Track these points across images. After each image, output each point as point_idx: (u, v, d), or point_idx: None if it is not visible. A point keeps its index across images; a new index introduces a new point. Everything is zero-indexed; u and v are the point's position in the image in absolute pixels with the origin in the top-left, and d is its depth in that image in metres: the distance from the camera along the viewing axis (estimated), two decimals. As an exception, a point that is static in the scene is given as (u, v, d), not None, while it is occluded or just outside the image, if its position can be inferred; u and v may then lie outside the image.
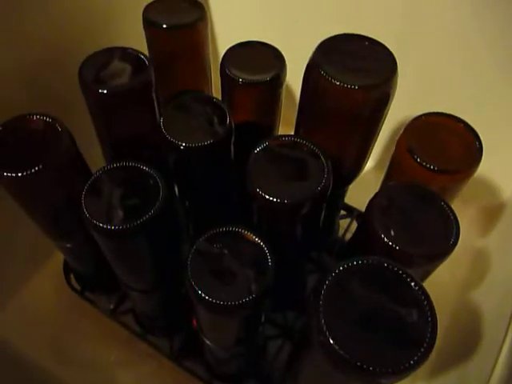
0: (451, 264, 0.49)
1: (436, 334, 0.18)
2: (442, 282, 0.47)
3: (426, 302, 0.19)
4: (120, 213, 0.25)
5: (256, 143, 0.29)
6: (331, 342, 0.18)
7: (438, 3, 0.40)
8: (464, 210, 0.51)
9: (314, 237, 0.34)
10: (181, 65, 0.38)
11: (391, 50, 0.30)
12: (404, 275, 0.20)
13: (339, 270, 0.20)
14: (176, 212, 0.35)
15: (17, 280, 0.46)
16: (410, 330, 0.18)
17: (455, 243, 0.24)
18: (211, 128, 0.29)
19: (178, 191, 0.34)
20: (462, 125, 0.30)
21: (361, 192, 0.40)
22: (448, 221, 0.26)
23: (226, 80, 0.34)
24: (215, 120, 0.30)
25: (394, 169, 0.32)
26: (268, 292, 0.24)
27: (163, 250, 0.28)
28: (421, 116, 0.31)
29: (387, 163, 0.35)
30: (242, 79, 0.33)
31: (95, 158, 0.36)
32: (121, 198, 0.26)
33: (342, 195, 0.44)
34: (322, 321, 0.19)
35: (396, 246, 0.24)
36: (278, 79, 0.34)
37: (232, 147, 0.31)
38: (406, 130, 0.30)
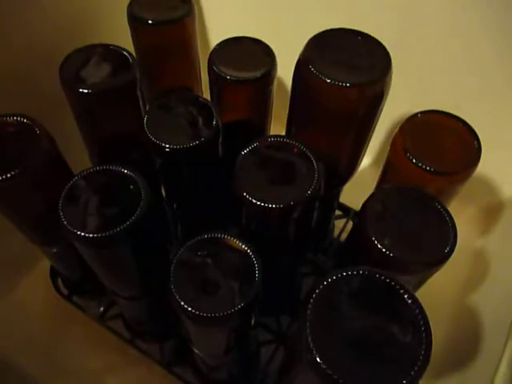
0: (450, 264, 0.48)
1: (430, 353, 0.17)
2: (440, 283, 0.46)
3: (420, 318, 0.17)
4: (99, 220, 0.23)
5: (246, 143, 0.28)
6: (319, 360, 0.17)
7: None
8: (463, 210, 0.50)
9: (305, 240, 0.33)
10: (168, 62, 0.37)
11: (387, 45, 0.28)
12: (397, 287, 0.18)
13: (327, 282, 0.19)
14: (161, 216, 0.34)
15: (3, 286, 0.45)
16: (402, 348, 0.17)
17: (452, 250, 0.23)
18: (197, 129, 0.28)
19: (165, 193, 0.33)
20: (460, 123, 0.29)
21: (356, 191, 0.39)
22: (445, 226, 0.24)
23: (214, 77, 0.33)
24: (202, 120, 0.28)
25: (390, 169, 0.31)
26: (255, 302, 0.22)
27: (147, 257, 0.27)
28: (417, 114, 0.29)
29: (383, 161, 0.34)
30: (231, 77, 0.32)
31: (84, 161, 0.35)
32: (100, 204, 0.24)
33: (337, 195, 0.43)
34: (309, 338, 0.18)
35: (391, 253, 0.23)
36: (268, 76, 0.33)
37: (220, 148, 0.30)
38: (401, 128, 0.29)
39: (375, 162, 0.54)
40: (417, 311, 0.17)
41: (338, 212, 0.48)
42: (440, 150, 0.28)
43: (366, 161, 0.53)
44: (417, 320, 0.17)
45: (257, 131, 0.37)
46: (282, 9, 0.47)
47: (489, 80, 0.40)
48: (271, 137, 0.27)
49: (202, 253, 0.23)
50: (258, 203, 0.24)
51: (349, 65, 0.27)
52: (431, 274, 0.25)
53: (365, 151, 0.34)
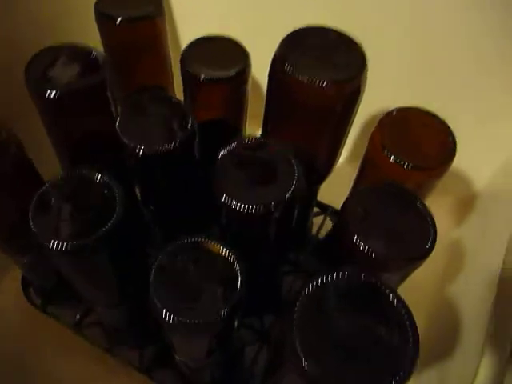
0: (429, 258, 0.48)
1: (418, 355, 0.16)
2: (419, 276, 0.47)
3: (407, 319, 0.17)
4: (72, 228, 0.22)
5: (222, 142, 0.27)
6: (306, 364, 0.17)
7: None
8: (439, 201, 0.51)
9: (286, 240, 0.33)
10: (138, 61, 0.36)
11: (365, 42, 0.28)
12: (384, 289, 0.18)
13: (314, 285, 0.18)
14: (139, 221, 0.33)
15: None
16: (390, 350, 0.17)
17: (433, 246, 0.23)
18: (172, 130, 0.27)
19: (141, 196, 0.32)
20: (435, 120, 0.29)
21: (333, 188, 0.39)
22: (425, 222, 0.24)
23: (187, 77, 0.32)
24: (176, 121, 0.28)
25: (368, 165, 0.31)
26: (238, 308, 0.22)
27: (125, 264, 0.26)
28: (393, 111, 0.29)
29: (360, 156, 0.34)
30: (204, 76, 0.31)
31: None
32: (73, 211, 0.23)
33: (315, 193, 0.42)
34: (297, 342, 0.17)
35: (373, 252, 0.23)
36: (242, 75, 0.32)
37: (196, 149, 0.29)
38: (378, 125, 0.29)
39: (351, 156, 0.54)
40: (404, 313, 0.17)
41: (315, 209, 0.48)
42: (417, 146, 0.28)
43: (341, 156, 0.53)
44: (404, 322, 0.17)
45: (232, 130, 0.36)
46: (256, 7, 0.46)
47: (464, 76, 0.41)
48: (249, 138, 0.27)
49: (182, 258, 0.23)
50: (238, 205, 0.24)
51: (324, 62, 0.27)
52: (413, 270, 0.25)
53: (342, 148, 0.34)
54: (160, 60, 0.37)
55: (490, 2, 0.36)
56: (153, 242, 0.36)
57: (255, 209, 0.23)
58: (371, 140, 0.29)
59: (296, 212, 0.29)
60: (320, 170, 0.36)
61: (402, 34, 0.41)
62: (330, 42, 0.28)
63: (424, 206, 0.25)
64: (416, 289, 0.45)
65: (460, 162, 0.47)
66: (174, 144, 0.26)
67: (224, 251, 0.23)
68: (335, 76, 0.26)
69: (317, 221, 0.48)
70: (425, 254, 0.23)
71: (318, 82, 0.26)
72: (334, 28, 0.29)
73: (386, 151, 0.28)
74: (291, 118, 0.29)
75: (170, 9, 0.51)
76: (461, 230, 0.49)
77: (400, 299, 0.18)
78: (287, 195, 0.24)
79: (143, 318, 0.37)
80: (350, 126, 0.31)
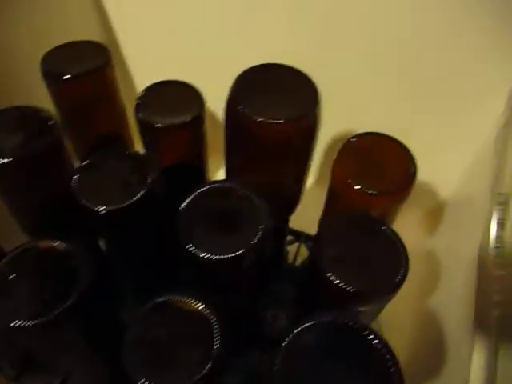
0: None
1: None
2: (399, 294, 0.47)
3: (391, 365, 0.17)
4: (32, 305, 0.21)
5: (186, 186, 0.26)
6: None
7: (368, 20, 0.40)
8: (409, 213, 0.51)
9: (261, 278, 0.32)
10: (92, 115, 0.35)
11: (316, 75, 0.28)
12: (368, 334, 0.18)
13: (298, 332, 0.18)
14: (106, 285, 0.32)
15: None
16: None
17: (404, 277, 0.23)
18: (131, 186, 0.27)
19: (109, 254, 0.31)
20: (395, 143, 0.29)
21: (305, 212, 0.39)
22: (396, 253, 0.24)
23: (142, 125, 0.32)
24: (135, 176, 0.27)
25: (333, 195, 0.31)
26: (215, 371, 0.21)
27: (94, 333, 0.25)
28: (352, 138, 0.29)
29: (326, 178, 0.34)
30: (159, 123, 0.31)
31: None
32: (34, 287, 0.22)
33: (286, 222, 0.42)
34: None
35: (349, 288, 0.22)
36: (198, 119, 0.32)
37: (158, 200, 0.28)
38: (339, 154, 0.29)
39: (320, 180, 0.54)
40: (388, 359, 0.17)
41: (289, 237, 0.47)
42: (379, 171, 0.28)
43: (311, 180, 0.53)
44: (388, 369, 0.17)
45: (195, 173, 0.36)
46: (207, 48, 0.46)
47: (421, 89, 0.42)
48: (211, 182, 0.26)
49: (154, 322, 0.22)
50: (204, 255, 0.23)
51: (278, 100, 0.27)
52: (389, 300, 0.25)
53: (307, 177, 0.34)
54: (114, 112, 0.36)
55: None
56: (125, 304, 0.35)
57: (222, 258, 0.23)
58: (333, 170, 0.29)
59: (267, 251, 0.28)
60: (288, 202, 0.35)
61: (363, 59, 0.42)
62: (282, 79, 0.28)
63: (395, 235, 0.25)
64: (397, 304, 0.46)
65: (426, 172, 0.48)
66: (134, 200, 0.25)
67: (198, 308, 0.22)
68: (289, 114, 0.26)
69: (292, 249, 0.48)
70: (397, 286, 0.23)
71: (272, 121, 0.26)
72: (286, 64, 0.29)
73: (348, 180, 0.28)
74: (251, 156, 0.29)
75: (124, 56, 0.51)
76: (433, 241, 0.50)
77: (385, 345, 0.17)
78: (254, 241, 0.24)
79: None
80: (312, 157, 0.31)
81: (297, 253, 0.47)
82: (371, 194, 0.27)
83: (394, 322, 0.46)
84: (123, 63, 0.51)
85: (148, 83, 0.34)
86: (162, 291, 0.23)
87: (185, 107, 0.32)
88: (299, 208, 0.39)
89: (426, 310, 0.46)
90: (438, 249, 0.49)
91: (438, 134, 0.44)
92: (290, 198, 0.35)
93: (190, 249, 0.24)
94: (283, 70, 0.28)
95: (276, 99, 0.27)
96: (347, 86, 0.43)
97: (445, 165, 0.46)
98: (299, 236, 0.47)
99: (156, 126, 0.31)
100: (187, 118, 0.31)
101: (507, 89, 0.36)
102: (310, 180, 0.53)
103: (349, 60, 0.42)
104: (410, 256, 0.50)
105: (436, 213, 0.51)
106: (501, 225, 0.29)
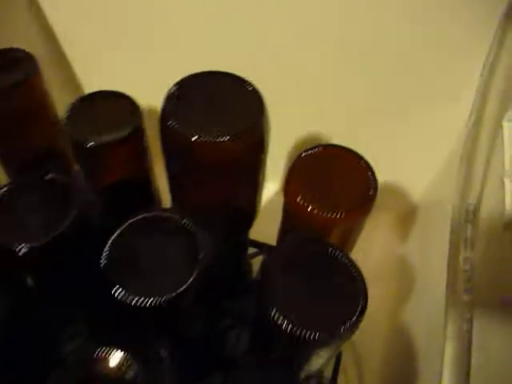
0: (379, 278, 0.46)
1: None
2: (372, 300, 0.44)
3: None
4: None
5: (132, 207, 0.23)
6: None
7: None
8: (379, 218, 0.49)
9: (217, 303, 0.29)
10: (18, 130, 0.31)
11: (262, 84, 0.25)
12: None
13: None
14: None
15: None
16: None
17: (361, 316, 0.20)
18: (53, 217, 0.23)
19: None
20: (351, 154, 0.27)
21: (267, 222, 0.36)
22: (353, 286, 0.21)
23: (73, 143, 0.28)
24: (57, 206, 0.24)
25: (287, 216, 0.28)
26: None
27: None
28: (302, 153, 0.26)
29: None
30: (91, 142, 0.27)
31: None
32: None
33: (246, 234, 0.39)
34: None
35: (302, 334, 0.20)
36: (136, 133, 0.28)
37: (90, 231, 0.25)
38: (289, 173, 0.26)
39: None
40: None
41: (252, 249, 0.45)
42: (335, 189, 0.26)
43: (274, 186, 0.50)
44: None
45: (141, 193, 0.33)
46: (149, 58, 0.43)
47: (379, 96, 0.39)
48: (143, 212, 0.23)
49: None
50: (132, 300, 0.20)
51: (219, 114, 0.24)
52: (344, 342, 0.22)
53: (261, 189, 0.31)
54: (45, 124, 0.33)
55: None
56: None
57: (150, 304, 0.20)
58: (284, 189, 0.26)
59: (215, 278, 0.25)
60: (244, 217, 0.32)
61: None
62: (223, 88, 0.25)
63: (352, 264, 0.22)
64: (372, 314, 0.43)
65: (395, 176, 0.46)
66: (54, 237, 0.22)
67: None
68: (232, 129, 0.23)
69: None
70: (352, 329, 0.20)
71: (212, 139, 0.23)
72: (226, 71, 0.26)
73: (300, 201, 0.25)
74: (194, 177, 0.26)
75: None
76: (405, 247, 0.48)
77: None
78: (190, 280, 0.21)
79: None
80: (265, 168, 0.28)
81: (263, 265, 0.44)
82: (326, 215, 0.24)
83: (367, 332, 0.43)
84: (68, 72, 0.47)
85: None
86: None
87: (121, 120, 0.28)
88: (262, 218, 0.36)
89: (398, 322, 0.44)
90: (410, 256, 0.47)
91: (406, 135, 0.42)
92: (246, 213, 0.32)
93: (116, 293, 0.20)
94: (223, 78, 0.25)
95: (216, 113, 0.24)
96: (306, 89, 0.40)
97: (414, 167, 0.44)
98: (261, 247, 0.44)
99: (87, 144, 0.27)
100: (124, 132, 0.28)
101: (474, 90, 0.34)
102: (274, 186, 0.50)
103: (306, 61, 0.39)
104: (383, 264, 0.47)
105: (406, 217, 0.48)
106: (470, 244, 0.26)
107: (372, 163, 0.43)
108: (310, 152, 0.26)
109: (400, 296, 0.46)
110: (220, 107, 0.24)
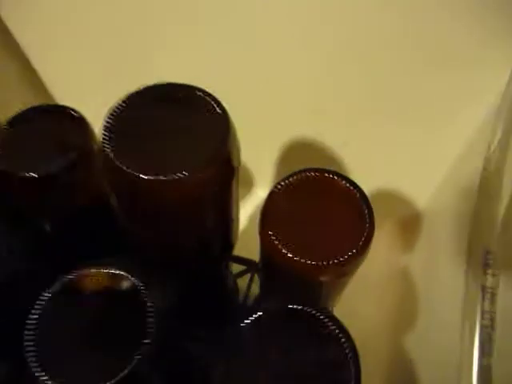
0: (379, 293, 0.42)
1: None
2: (373, 319, 0.40)
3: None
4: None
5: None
6: None
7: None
8: (381, 226, 0.44)
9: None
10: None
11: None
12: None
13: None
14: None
15: None
16: None
17: None
18: None
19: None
20: (341, 183, 0.22)
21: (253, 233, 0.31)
22: (342, 362, 0.17)
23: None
24: None
25: (266, 259, 0.23)
26: None
27: None
28: (279, 185, 0.21)
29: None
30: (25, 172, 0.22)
31: None
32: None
33: (227, 259, 0.35)
34: None
35: None
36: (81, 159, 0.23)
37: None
38: (264, 209, 0.21)
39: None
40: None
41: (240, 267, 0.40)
42: (321, 229, 0.21)
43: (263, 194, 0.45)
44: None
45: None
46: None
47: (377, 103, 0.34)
48: (80, 269, 0.19)
49: None
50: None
51: (173, 142, 0.19)
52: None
53: (237, 215, 0.27)
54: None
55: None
56: None
57: None
58: (261, 236, 0.21)
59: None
60: (220, 249, 0.28)
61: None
62: (176, 107, 0.20)
63: (340, 339, 0.17)
64: (371, 337, 0.39)
65: (398, 180, 0.41)
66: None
67: None
68: (189, 161, 0.18)
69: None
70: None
71: (164, 177, 0.18)
72: (184, 83, 0.20)
73: (280, 248, 0.20)
74: (150, 219, 0.21)
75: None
76: (408, 257, 0.43)
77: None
78: (133, 362, 0.16)
79: None
80: (237, 193, 0.24)
81: (250, 285, 0.40)
82: (311, 264, 0.20)
83: (366, 358, 0.39)
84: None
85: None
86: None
87: (62, 144, 0.23)
88: (251, 229, 0.31)
89: (403, 345, 0.39)
90: (414, 267, 0.42)
91: (410, 138, 0.36)
92: (222, 245, 0.27)
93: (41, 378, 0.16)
94: (177, 92, 0.20)
95: (170, 140, 0.19)
96: (305, 89, 0.35)
97: (419, 171, 0.39)
98: (249, 264, 0.40)
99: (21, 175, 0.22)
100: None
101: (486, 95, 0.29)
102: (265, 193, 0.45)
103: (304, 60, 0.34)
104: (384, 277, 0.42)
105: (411, 225, 0.43)
106: (491, 297, 0.21)
107: (373, 166, 0.39)
108: (288, 181, 0.21)
109: (403, 316, 0.41)
110: (175, 132, 0.19)
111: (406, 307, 0.41)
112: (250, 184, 0.47)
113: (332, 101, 0.35)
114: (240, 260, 0.40)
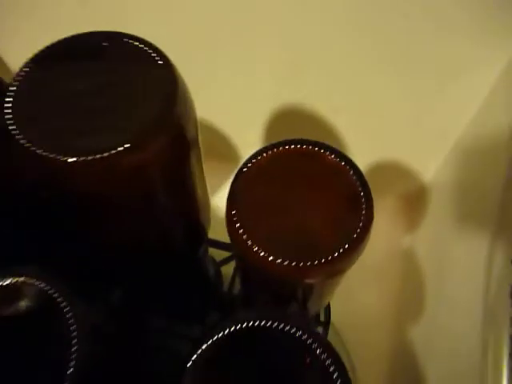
0: (382, 277, 0.38)
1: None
2: (375, 305, 0.36)
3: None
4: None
5: None
6: None
7: None
8: (383, 203, 0.39)
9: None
10: None
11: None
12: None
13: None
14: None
15: None
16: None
17: None
18: None
19: None
20: (326, 153, 0.17)
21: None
22: None
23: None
24: None
25: (243, 264, 0.19)
26: None
27: None
28: (249, 163, 0.17)
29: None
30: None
31: None
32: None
33: (204, 252, 0.30)
34: None
35: None
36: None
37: None
38: (230, 204, 0.16)
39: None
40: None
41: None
42: (305, 213, 0.16)
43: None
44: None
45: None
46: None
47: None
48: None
49: None
50: None
51: (102, 110, 0.14)
52: None
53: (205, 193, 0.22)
54: None
55: None
56: None
57: None
58: (226, 223, 0.17)
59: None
60: (191, 233, 0.23)
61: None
62: (105, 61, 0.15)
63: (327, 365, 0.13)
64: (369, 331, 0.35)
65: (400, 153, 0.36)
66: None
67: None
68: (125, 135, 0.14)
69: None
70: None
71: (86, 158, 0.13)
72: (116, 31, 0.15)
73: (248, 242, 0.15)
74: (87, 214, 0.17)
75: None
76: (412, 236, 0.38)
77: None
78: None
79: None
80: (201, 166, 0.19)
81: (235, 272, 0.36)
82: (292, 265, 0.15)
83: (367, 351, 0.35)
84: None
85: None
86: None
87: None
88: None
89: (407, 328, 0.35)
90: (418, 248, 0.38)
91: (415, 108, 0.32)
92: (190, 228, 0.23)
93: None
94: (105, 42, 0.15)
95: (97, 107, 0.14)
96: (311, 58, 0.30)
97: (424, 144, 0.34)
98: (230, 248, 0.35)
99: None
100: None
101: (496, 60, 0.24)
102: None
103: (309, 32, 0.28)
104: (385, 258, 0.37)
105: (415, 202, 0.39)
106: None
107: (370, 136, 0.34)
108: (261, 157, 0.16)
109: (407, 302, 0.37)
110: (103, 96, 0.14)
111: (409, 293, 0.37)
112: (236, 159, 0.42)
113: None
114: (223, 246, 0.35)
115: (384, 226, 0.38)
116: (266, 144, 0.38)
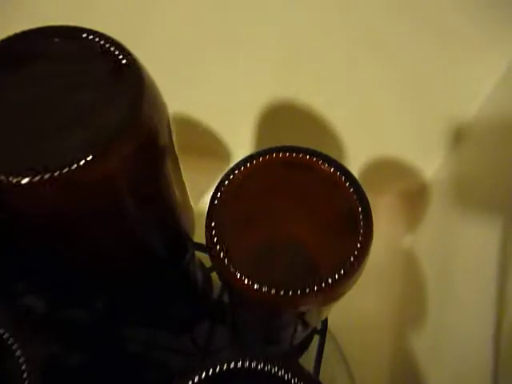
0: (381, 282, 0.36)
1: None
2: (374, 310, 0.35)
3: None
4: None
5: None
6: None
7: None
8: (382, 200, 0.38)
9: None
10: None
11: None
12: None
13: None
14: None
15: None
16: None
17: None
18: None
19: None
20: (317, 161, 0.15)
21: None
22: None
23: None
24: None
25: (227, 288, 0.17)
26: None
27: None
28: (227, 178, 0.14)
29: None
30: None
31: None
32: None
33: (190, 260, 0.28)
34: None
35: None
36: None
37: None
38: (209, 224, 0.14)
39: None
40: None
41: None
42: (294, 233, 0.14)
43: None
44: None
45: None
46: None
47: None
48: None
49: None
50: None
51: (47, 119, 0.12)
52: None
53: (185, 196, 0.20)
54: None
55: None
56: None
57: None
58: (206, 244, 0.15)
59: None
60: (173, 242, 0.21)
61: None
62: (57, 61, 0.13)
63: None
64: (368, 336, 0.34)
65: (401, 147, 0.34)
66: None
67: None
68: (75, 148, 0.12)
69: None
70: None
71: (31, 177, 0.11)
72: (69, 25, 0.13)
73: (231, 268, 0.13)
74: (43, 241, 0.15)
75: None
76: (413, 236, 0.37)
77: None
78: None
79: None
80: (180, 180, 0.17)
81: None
82: (279, 295, 0.13)
83: (367, 355, 0.34)
84: None
85: None
86: None
87: None
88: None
89: (409, 332, 0.34)
90: (420, 248, 0.36)
91: (415, 99, 0.30)
92: (171, 238, 0.21)
93: None
94: (66, 41, 0.13)
95: (49, 116, 0.12)
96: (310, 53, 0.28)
97: (426, 137, 0.32)
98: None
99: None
100: None
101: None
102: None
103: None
104: (385, 259, 0.36)
105: (416, 199, 0.37)
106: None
107: (367, 130, 0.32)
108: (242, 170, 0.14)
109: (408, 305, 0.35)
110: (55, 103, 0.12)
111: (411, 294, 0.35)
112: (227, 158, 0.40)
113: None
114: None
115: (384, 225, 0.36)
116: (259, 143, 0.36)
